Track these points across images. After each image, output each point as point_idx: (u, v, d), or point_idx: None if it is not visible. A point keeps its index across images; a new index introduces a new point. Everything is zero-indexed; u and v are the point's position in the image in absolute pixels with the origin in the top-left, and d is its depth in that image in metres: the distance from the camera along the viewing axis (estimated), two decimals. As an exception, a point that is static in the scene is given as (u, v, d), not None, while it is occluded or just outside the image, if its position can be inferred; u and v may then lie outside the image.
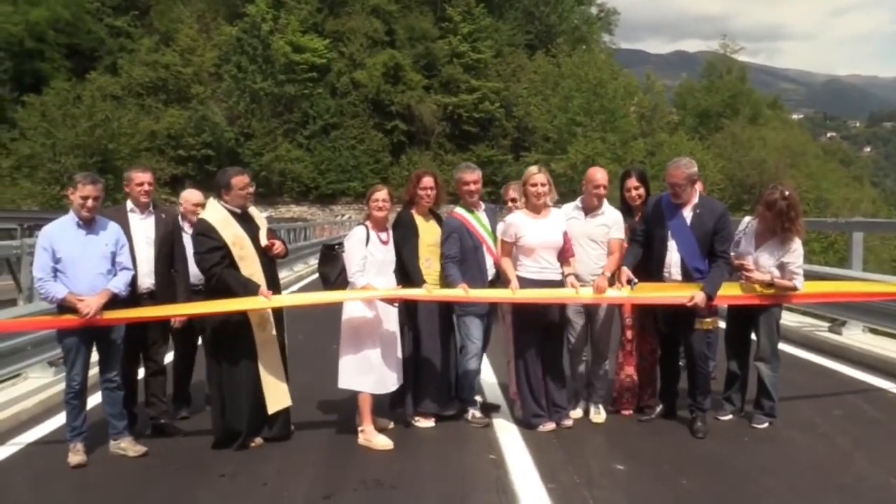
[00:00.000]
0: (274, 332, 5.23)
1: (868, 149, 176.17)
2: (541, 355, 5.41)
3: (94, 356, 5.06)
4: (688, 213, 5.29)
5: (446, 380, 5.65)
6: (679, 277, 5.30)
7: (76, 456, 4.86)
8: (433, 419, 5.60)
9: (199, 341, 5.98)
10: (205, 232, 5.05)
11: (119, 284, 4.96)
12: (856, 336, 8.27)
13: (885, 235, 30.02)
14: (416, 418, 5.60)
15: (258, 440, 5.17)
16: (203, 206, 6.04)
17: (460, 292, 5.29)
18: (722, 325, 5.88)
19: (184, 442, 5.33)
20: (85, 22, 48.45)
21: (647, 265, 5.40)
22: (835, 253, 25.34)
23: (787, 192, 5.29)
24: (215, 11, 52.27)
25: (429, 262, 5.52)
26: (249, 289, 5.01)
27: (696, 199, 5.33)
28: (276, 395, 5.18)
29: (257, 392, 5.12)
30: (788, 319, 9.11)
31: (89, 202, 4.86)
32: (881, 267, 26.29)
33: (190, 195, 6.19)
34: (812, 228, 18.45)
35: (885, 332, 8.06)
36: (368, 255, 5.17)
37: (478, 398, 5.80)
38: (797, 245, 5.40)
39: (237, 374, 5.12)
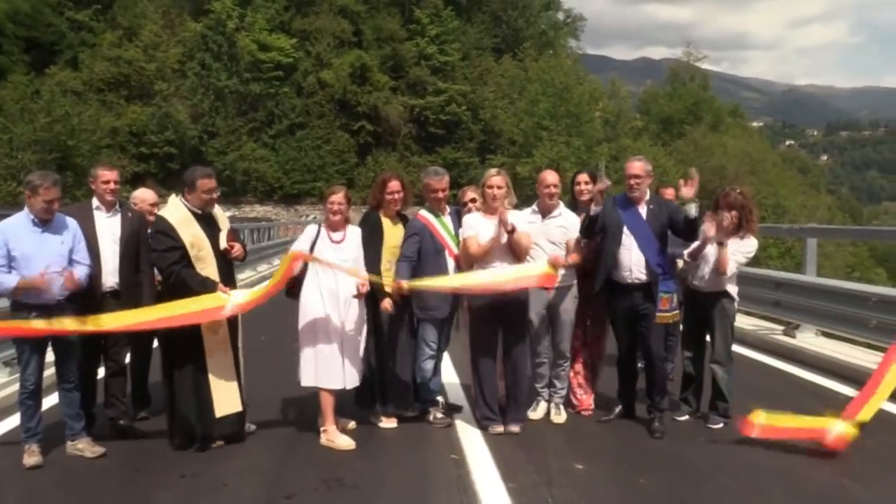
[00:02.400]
0: (227, 334, 5.18)
1: (825, 157, 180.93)
2: (499, 357, 5.47)
3: (51, 356, 4.97)
4: (643, 209, 5.52)
5: (409, 382, 5.67)
6: (644, 277, 5.40)
7: (31, 457, 4.77)
8: (395, 420, 5.62)
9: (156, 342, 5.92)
10: (164, 231, 5.01)
11: (79, 275, 4.88)
12: (809, 339, 8.47)
13: (840, 242, 30.78)
14: (380, 419, 5.62)
15: (219, 441, 5.13)
16: (158, 205, 5.96)
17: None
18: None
19: (144, 443, 5.26)
20: (45, 15, 47.34)
21: (598, 261, 5.55)
22: (791, 258, 25.89)
23: (741, 190, 5.72)
24: (180, 7, 51.46)
25: (391, 263, 5.54)
26: (207, 286, 4.98)
27: (647, 197, 5.57)
28: (226, 399, 5.11)
29: (205, 395, 5.05)
30: (743, 322, 9.31)
31: (55, 204, 4.79)
32: (836, 273, 26.98)
33: (145, 195, 6.04)
34: (769, 234, 18.83)
35: (837, 335, 8.27)
36: (315, 252, 5.21)
37: (440, 399, 5.83)
38: (755, 243, 5.62)
39: (184, 376, 5.07)
